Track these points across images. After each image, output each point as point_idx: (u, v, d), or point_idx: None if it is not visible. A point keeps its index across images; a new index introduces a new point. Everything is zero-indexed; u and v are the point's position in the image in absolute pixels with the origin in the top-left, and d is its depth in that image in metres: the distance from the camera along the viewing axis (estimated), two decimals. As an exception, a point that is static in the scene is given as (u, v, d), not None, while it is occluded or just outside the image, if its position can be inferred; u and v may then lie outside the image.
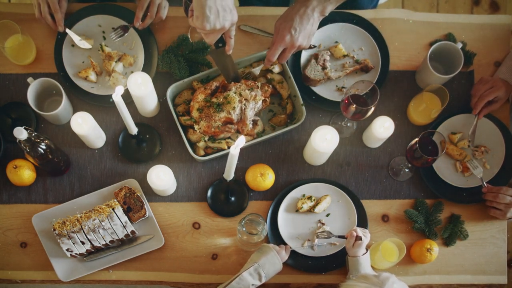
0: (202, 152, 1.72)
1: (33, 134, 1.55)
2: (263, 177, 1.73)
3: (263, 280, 1.58)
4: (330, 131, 1.62)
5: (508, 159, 1.78)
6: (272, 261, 1.58)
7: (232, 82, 1.71)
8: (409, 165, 1.78)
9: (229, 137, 1.74)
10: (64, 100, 1.68)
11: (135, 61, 1.81)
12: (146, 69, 1.80)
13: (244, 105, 1.69)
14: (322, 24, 1.83)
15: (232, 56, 1.66)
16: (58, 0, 1.73)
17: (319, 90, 1.82)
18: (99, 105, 1.79)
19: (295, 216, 1.75)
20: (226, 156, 1.55)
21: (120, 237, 1.67)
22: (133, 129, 1.66)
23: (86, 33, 1.82)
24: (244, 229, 1.58)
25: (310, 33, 1.66)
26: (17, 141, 1.52)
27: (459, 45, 1.74)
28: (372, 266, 1.65)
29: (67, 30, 1.78)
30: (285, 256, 1.64)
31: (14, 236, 1.73)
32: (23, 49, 1.76)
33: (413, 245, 1.75)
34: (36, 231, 1.71)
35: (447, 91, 1.68)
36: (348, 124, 1.82)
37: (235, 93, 1.68)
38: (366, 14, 1.87)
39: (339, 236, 1.69)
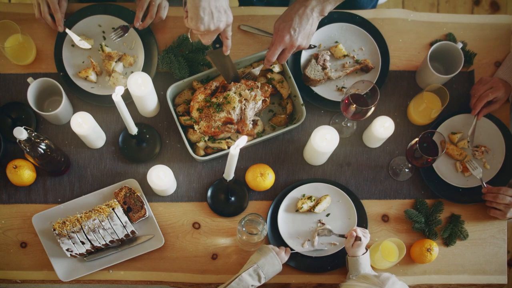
0: (202, 152, 1.72)
1: (33, 134, 1.55)
2: (263, 177, 1.73)
3: (263, 281, 1.58)
4: (330, 131, 1.62)
5: (508, 159, 1.78)
6: (272, 262, 1.58)
7: (232, 82, 1.71)
8: (409, 165, 1.78)
9: (229, 137, 1.74)
10: (64, 100, 1.68)
11: (135, 61, 1.81)
12: (146, 69, 1.80)
13: (244, 105, 1.69)
14: (322, 24, 1.83)
15: (231, 56, 1.66)
16: (58, 0, 1.73)
17: (319, 90, 1.82)
18: (99, 105, 1.79)
19: (295, 216, 1.75)
20: (226, 156, 1.55)
21: (120, 237, 1.68)
22: (133, 129, 1.66)
23: (86, 33, 1.82)
24: (244, 229, 1.58)
25: (309, 33, 1.66)
26: (17, 141, 1.52)
27: (459, 45, 1.74)
28: (372, 266, 1.65)
29: (67, 30, 1.78)
30: (284, 257, 1.64)
31: (14, 236, 1.74)
32: (23, 49, 1.76)
33: (413, 245, 1.75)
34: (36, 231, 1.71)
35: (447, 91, 1.68)
36: (348, 124, 1.82)
37: (235, 93, 1.68)
38: (366, 14, 1.87)
39: (340, 235, 1.69)
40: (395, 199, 1.79)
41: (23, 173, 1.71)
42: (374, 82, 1.67)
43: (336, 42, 1.85)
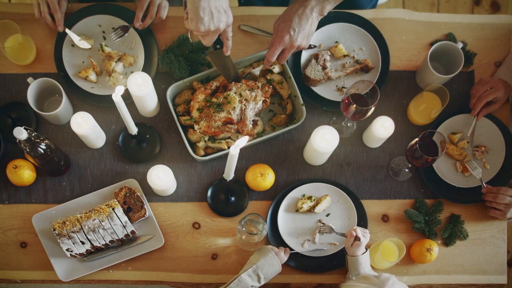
0: (202, 152, 1.72)
1: (33, 134, 1.55)
2: (263, 177, 1.73)
3: (262, 282, 1.58)
4: (330, 131, 1.62)
5: (508, 160, 1.78)
6: (271, 262, 1.58)
7: (233, 82, 1.71)
8: (409, 165, 1.78)
9: (229, 137, 1.74)
10: (64, 100, 1.68)
11: (135, 61, 1.81)
12: (146, 69, 1.80)
13: (244, 105, 1.69)
14: (322, 24, 1.83)
15: (231, 57, 1.66)
16: (57, 0, 1.73)
17: (319, 90, 1.82)
18: (99, 105, 1.79)
19: (295, 216, 1.75)
20: (226, 156, 1.55)
21: (120, 237, 1.68)
22: (133, 129, 1.66)
23: (86, 33, 1.82)
24: (244, 229, 1.58)
25: (309, 33, 1.66)
26: (17, 141, 1.52)
27: (460, 45, 1.74)
28: (372, 266, 1.65)
29: (67, 30, 1.78)
30: (284, 257, 1.64)
31: (14, 236, 1.74)
32: (23, 49, 1.76)
33: (413, 245, 1.75)
34: (36, 231, 1.71)
35: (447, 91, 1.68)
36: (348, 124, 1.82)
37: (235, 93, 1.68)
38: (366, 14, 1.87)
39: (341, 234, 1.69)
40: (395, 199, 1.79)
41: (23, 173, 1.71)
42: (374, 82, 1.67)
43: (336, 42, 1.85)
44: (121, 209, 1.68)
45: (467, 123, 1.80)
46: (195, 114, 1.70)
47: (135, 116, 1.79)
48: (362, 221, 1.75)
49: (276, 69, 1.78)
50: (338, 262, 1.73)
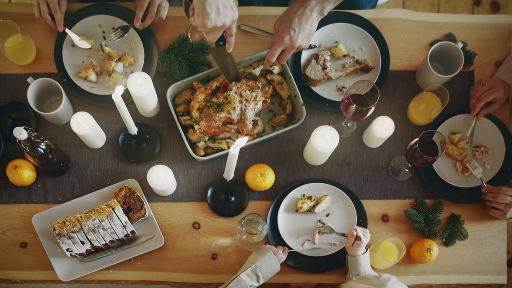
0: (202, 152, 1.73)
1: (33, 134, 1.55)
2: (263, 177, 1.73)
3: (262, 281, 1.58)
4: (330, 131, 1.62)
5: (508, 159, 1.78)
6: (269, 262, 1.58)
7: (233, 82, 1.71)
8: (409, 165, 1.78)
9: (229, 137, 1.74)
10: (64, 100, 1.68)
11: (135, 61, 1.81)
12: (146, 69, 1.80)
13: (245, 105, 1.69)
14: (322, 24, 1.83)
15: (233, 55, 1.66)
16: (57, 0, 1.73)
17: (319, 90, 1.82)
18: (99, 105, 1.79)
19: (295, 216, 1.76)
20: (226, 156, 1.55)
21: (120, 237, 1.68)
22: (133, 129, 1.66)
23: (86, 33, 1.82)
24: (244, 229, 1.58)
25: (309, 34, 1.66)
26: (17, 141, 1.52)
27: (460, 45, 1.74)
28: (371, 266, 1.65)
29: (67, 30, 1.78)
30: (282, 256, 1.64)
31: (14, 236, 1.74)
32: (23, 49, 1.76)
33: (412, 245, 1.75)
34: (36, 231, 1.71)
35: (447, 91, 1.68)
36: (348, 124, 1.82)
37: (235, 93, 1.68)
38: (366, 14, 1.87)
39: (341, 234, 1.69)
40: (395, 199, 1.79)
41: (23, 173, 1.71)
42: (374, 82, 1.67)
43: (336, 42, 1.85)
44: (121, 209, 1.68)
45: (467, 123, 1.80)
46: (195, 114, 1.70)
47: (135, 116, 1.79)
48: (362, 221, 1.75)
49: (276, 69, 1.78)
50: (338, 262, 1.73)
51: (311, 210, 1.75)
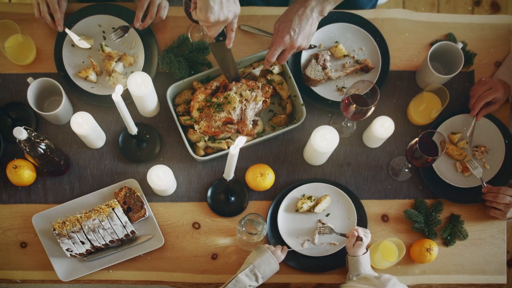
0: (202, 152, 1.73)
1: (33, 134, 1.55)
2: (263, 177, 1.73)
3: (260, 281, 1.58)
4: (330, 131, 1.62)
5: (508, 159, 1.78)
6: (268, 262, 1.58)
7: (234, 82, 1.71)
8: (409, 165, 1.78)
9: (229, 137, 1.74)
10: (64, 100, 1.68)
11: (135, 61, 1.81)
12: (146, 69, 1.80)
13: (245, 105, 1.69)
14: (322, 24, 1.83)
15: (233, 54, 1.65)
16: (57, 0, 1.73)
17: (319, 90, 1.82)
18: (99, 105, 1.79)
19: (295, 216, 1.76)
20: (226, 156, 1.55)
21: (120, 237, 1.68)
22: (133, 129, 1.66)
23: (86, 33, 1.82)
24: (244, 229, 1.58)
25: (309, 34, 1.65)
26: (17, 141, 1.52)
27: (460, 45, 1.74)
28: (371, 266, 1.65)
29: (66, 30, 1.78)
30: (281, 256, 1.64)
31: (14, 236, 1.74)
32: (23, 49, 1.76)
33: (412, 245, 1.75)
34: (36, 231, 1.71)
35: (447, 91, 1.68)
36: (348, 124, 1.82)
37: (235, 93, 1.68)
38: (366, 14, 1.87)
39: (341, 234, 1.69)
40: (395, 199, 1.79)
41: (23, 173, 1.71)
42: (374, 82, 1.68)
43: (336, 42, 1.85)
44: (121, 209, 1.68)
45: (467, 123, 1.80)
46: (195, 114, 1.70)
47: (135, 116, 1.79)
48: (362, 221, 1.75)
49: (276, 69, 1.78)
50: (338, 262, 1.73)
51: (311, 210, 1.75)
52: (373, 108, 1.61)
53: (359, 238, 1.59)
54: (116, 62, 1.79)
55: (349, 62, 1.84)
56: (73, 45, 1.80)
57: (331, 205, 1.76)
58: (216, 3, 1.39)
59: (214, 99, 1.69)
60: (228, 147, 1.71)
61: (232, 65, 1.67)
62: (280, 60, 1.69)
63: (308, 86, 1.82)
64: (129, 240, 1.72)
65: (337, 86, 1.83)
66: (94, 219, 1.64)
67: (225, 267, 1.74)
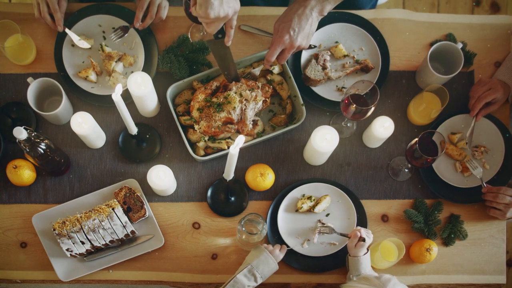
0: (202, 152, 1.73)
1: (33, 134, 1.55)
2: (263, 177, 1.73)
3: (259, 281, 1.57)
4: (330, 131, 1.62)
5: (508, 159, 1.79)
6: (266, 261, 1.58)
7: (233, 82, 1.71)
8: (409, 165, 1.78)
9: (229, 137, 1.74)
10: (64, 100, 1.68)
11: (135, 61, 1.81)
12: (146, 69, 1.80)
13: (245, 105, 1.69)
14: (322, 24, 1.83)
15: (232, 52, 1.64)
16: (57, 0, 1.73)
17: (319, 90, 1.82)
18: (99, 105, 1.79)
19: (295, 216, 1.76)
20: (226, 156, 1.55)
21: (120, 237, 1.68)
22: (133, 129, 1.66)
23: (86, 33, 1.81)
24: (244, 229, 1.58)
25: (309, 33, 1.65)
26: (17, 141, 1.52)
27: (460, 45, 1.75)
28: (371, 266, 1.65)
29: (66, 30, 1.78)
30: (279, 255, 1.63)
31: (14, 236, 1.74)
32: (23, 49, 1.75)
33: (412, 245, 1.75)
34: (36, 231, 1.71)
35: (447, 91, 1.68)
36: (348, 124, 1.82)
37: (235, 93, 1.69)
38: (366, 14, 1.87)
39: (342, 234, 1.69)
40: (394, 199, 1.80)
41: (23, 173, 1.71)
42: (374, 82, 1.68)
43: (336, 42, 1.85)
44: (121, 209, 1.68)
45: (467, 123, 1.80)
46: (195, 114, 1.70)
47: (135, 116, 1.79)
48: (362, 221, 1.75)
49: (276, 69, 1.78)
50: (338, 262, 1.73)
51: (311, 210, 1.75)
52: (373, 108, 1.61)
53: (361, 239, 1.59)
54: (116, 62, 1.79)
55: (349, 62, 1.84)
56: (73, 45, 1.80)
57: (331, 205, 1.76)
58: None
59: (214, 99, 1.69)
60: (228, 147, 1.71)
61: (232, 64, 1.67)
62: (279, 60, 1.69)
63: (308, 86, 1.82)
64: (129, 240, 1.72)
65: (337, 86, 1.83)
66: (94, 219, 1.64)
67: (225, 267, 1.74)
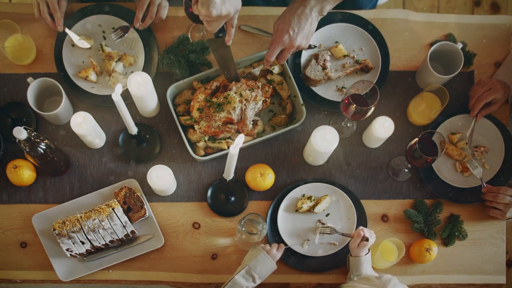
0: (202, 152, 1.73)
1: (33, 134, 1.55)
2: (263, 177, 1.73)
3: (258, 281, 1.57)
4: (330, 131, 1.62)
5: (508, 160, 1.79)
6: (263, 262, 1.57)
7: (233, 82, 1.71)
8: (409, 165, 1.78)
9: (229, 137, 1.74)
10: (64, 100, 1.68)
11: (135, 61, 1.81)
12: (146, 69, 1.80)
13: (245, 105, 1.69)
14: (322, 24, 1.83)
15: (232, 52, 1.64)
16: (57, 0, 1.73)
17: (319, 90, 1.82)
18: (99, 105, 1.79)
19: (294, 216, 1.76)
20: (226, 156, 1.55)
21: (120, 237, 1.68)
22: (133, 129, 1.66)
23: (86, 33, 1.82)
24: (244, 229, 1.58)
25: (308, 33, 1.65)
26: (17, 141, 1.52)
27: (459, 46, 1.75)
28: (371, 266, 1.65)
29: (66, 30, 1.78)
30: (277, 254, 1.62)
31: (14, 236, 1.74)
32: (23, 49, 1.75)
33: (412, 245, 1.75)
34: (36, 231, 1.71)
35: (447, 91, 1.68)
36: (348, 124, 1.82)
37: (235, 93, 1.69)
38: (366, 14, 1.87)
39: (344, 234, 1.69)
40: (394, 199, 1.80)
41: (23, 173, 1.71)
42: (374, 82, 1.68)
43: (336, 42, 1.85)
44: (121, 209, 1.68)
45: (467, 123, 1.80)
46: (195, 114, 1.70)
47: (135, 116, 1.79)
48: (362, 221, 1.76)
49: (276, 69, 1.78)
50: (338, 262, 1.73)
51: (311, 210, 1.75)
52: (373, 108, 1.61)
53: (364, 238, 1.59)
54: (116, 62, 1.79)
55: (349, 62, 1.84)
56: (73, 45, 1.80)
57: (331, 205, 1.76)
58: None
59: (214, 99, 1.69)
60: (228, 147, 1.71)
61: (232, 64, 1.67)
62: (279, 59, 1.69)
63: (308, 86, 1.82)
64: (129, 240, 1.72)
65: (337, 86, 1.83)
66: (94, 219, 1.64)
67: (225, 267, 1.74)
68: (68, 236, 1.63)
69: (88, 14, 1.82)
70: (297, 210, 1.76)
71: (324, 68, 1.81)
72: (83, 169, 1.77)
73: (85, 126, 1.63)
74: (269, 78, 1.79)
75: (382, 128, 1.69)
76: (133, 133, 1.68)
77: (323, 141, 1.63)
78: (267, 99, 1.74)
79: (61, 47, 1.79)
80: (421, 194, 1.80)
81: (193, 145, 1.74)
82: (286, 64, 1.76)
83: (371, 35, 1.84)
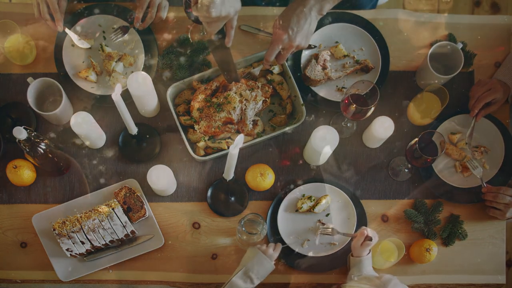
0: (202, 152, 1.73)
1: (33, 134, 1.55)
2: (263, 177, 1.73)
3: (256, 282, 1.56)
4: (330, 131, 1.62)
5: (508, 160, 1.79)
6: (260, 262, 1.57)
7: (233, 82, 1.71)
8: (409, 165, 1.78)
9: (229, 137, 1.74)
10: (64, 100, 1.68)
11: (135, 61, 1.81)
12: (146, 69, 1.80)
13: (245, 105, 1.69)
14: (322, 24, 1.83)
15: (231, 52, 1.64)
16: (57, 0, 1.73)
17: (319, 90, 1.82)
18: (99, 105, 1.79)
19: (294, 216, 1.76)
20: (226, 156, 1.55)
21: (120, 237, 1.68)
22: (133, 129, 1.66)
23: (86, 33, 1.82)
24: (244, 229, 1.58)
25: (308, 33, 1.65)
26: (17, 141, 1.52)
27: (460, 46, 1.75)
28: (371, 266, 1.66)
29: (66, 30, 1.78)
30: (273, 254, 1.61)
31: (14, 236, 1.74)
32: (23, 49, 1.75)
33: (412, 245, 1.75)
34: (36, 231, 1.71)
35: (447, 92, 1.68)
36: (348, 124, 1.82)
37: (235, 93, 1.69)
38: (366, 14, 1.87)
39: (345, 234, 1.69)
40: (394, 199, 1.80)
41: (23, 173, 1.71)
42: (374, 82, 1.68)
43: (336, 42, 1.85)
44: (121, 209, 1.68)
45: (467, 123, 1.80)
46: (195, 114, 1.70)
47: (135, 116, 1.79)
48: (362, 221, 1.76)
49: (276, 69, 1.78)
50: (338, 262, 1.73)
51: (311, 210, 1.75)
52: (373, 108, 1.62)
53: (368, 238, 1.59)
54: (116, 62, 1.79)
55: (349, 62, 1.84)
56: (73, 45, 1.80)
57: (331, 205, 1.76)
58: None
59: (214, 99, 1.69)
60: (228, 147, 1.71)
61: (232, 64, 1.67)
62: (278, 59, 1.69)
63: (308, 86, 1.82)
64: (129, 240, 1.72)
65: (337, 86, 1.83)
66: (94, 219, 1.64)
67: (225, 267, 1.74)
68: (68, 236, 1.63)
69: (88, 14, 1.82)
70: (297, 210, 1.76)
71: (324, 68, 1.81)
72: (83, 169, 1.77)
73: (85, 126, 1.63)
74: (269, 78, 1.79)
75: (382, 128, 1.69)
76: (133, 133, 1.68)
77: (323, 141, 1.63)
78: (267, 99, 1.74)
79: (61, 47, 1.79)
80: (421, 194, 1.80)
81: (193, 145, 1.74)
82: (286, 64, 1.76)
83: (371, 35, 1.84)
